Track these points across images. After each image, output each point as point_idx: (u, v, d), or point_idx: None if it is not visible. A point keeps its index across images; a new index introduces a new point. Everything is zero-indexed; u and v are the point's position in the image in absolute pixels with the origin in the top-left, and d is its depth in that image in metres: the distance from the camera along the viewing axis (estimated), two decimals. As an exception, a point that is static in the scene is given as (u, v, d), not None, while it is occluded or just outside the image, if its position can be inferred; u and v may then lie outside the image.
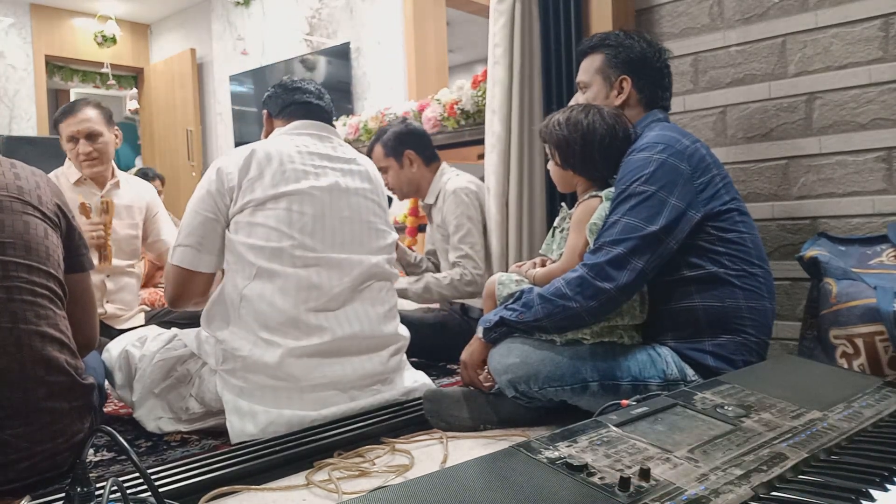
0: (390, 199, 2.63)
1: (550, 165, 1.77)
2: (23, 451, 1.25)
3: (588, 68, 1.79)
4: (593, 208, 1.62)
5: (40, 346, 1.27)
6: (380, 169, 2.52)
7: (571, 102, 1.81)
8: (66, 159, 2.58)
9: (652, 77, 1.74)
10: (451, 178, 2.52)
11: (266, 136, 1.85)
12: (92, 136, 2.49)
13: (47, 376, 1.28)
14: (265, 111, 1.88)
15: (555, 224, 1.80)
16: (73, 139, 2.49)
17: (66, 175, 2.55)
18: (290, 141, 1.71)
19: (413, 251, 2.74)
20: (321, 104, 1.83)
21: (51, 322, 1.31)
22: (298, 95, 1.81)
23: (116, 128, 2.61)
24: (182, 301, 1.69)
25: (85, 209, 2.39)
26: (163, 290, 2.99)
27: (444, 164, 2.58)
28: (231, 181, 1.62)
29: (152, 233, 2.71)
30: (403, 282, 2.45)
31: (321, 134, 1.77)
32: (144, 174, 4.04)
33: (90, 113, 2.50)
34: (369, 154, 2.57)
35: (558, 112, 1.73)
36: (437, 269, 2.67)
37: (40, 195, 1.39)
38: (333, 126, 1.86)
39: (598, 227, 1.57)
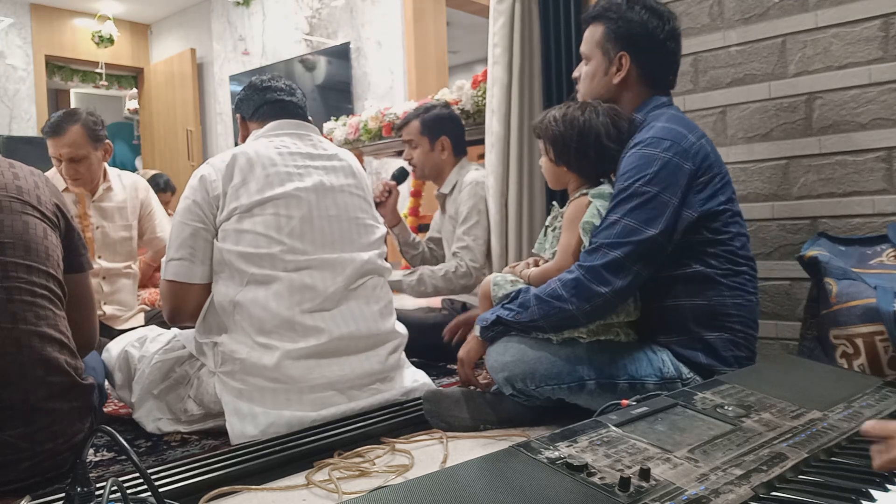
0: (406, 174, 2.63)
1: (543, 161, 1.76)
2: (23, 451, 1.25)
3: (589, 39, 1.70)
4: (584, 206, 1.62)
5: (40, 347, 1.27)
6: (408, 142, 2.54)
7: (574, 74, 1.76)
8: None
9: (654, 53, 1.64)
10: (470, 171, 2.54)
11: (243, 141, 1.82)
12: (75, 160, 2.42)
13: (47, 377, 1.28)
14: (238, 115, 1.85)
15: (546, 223, 1.80)
16: (59, 159, 2.43)
17: (56, 179, 2.49)
18: (269, 143, 1.69)
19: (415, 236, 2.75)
20: (294, 100, 1.80)
21: (50, 322, 1.31)
22: (270, 94, 1.78)
23: (107, 141, 2.53)
24: (180, 315, 1.66)
25: None
26: (163, 289, 2.99)
27: (464, 158, 2.60)
28: (216, 189, 1.60)
29: (148, 230, 2.70)
30: (398, 274, 2.44)
31: (299, 132, 1.75)
32: (156, 183, 3.95)
33: (75, 135, 2.40)
34: (403, 126, 2.57)
35: (554, 108, 1.72)
36: (434, 255, 2.69)
37: (39, 195, 1.39)
38: (310, 121, 1.83)
39: (592, 226, 1.56)
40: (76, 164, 2.43)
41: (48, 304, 1.32)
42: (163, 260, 1.66)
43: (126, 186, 2.64)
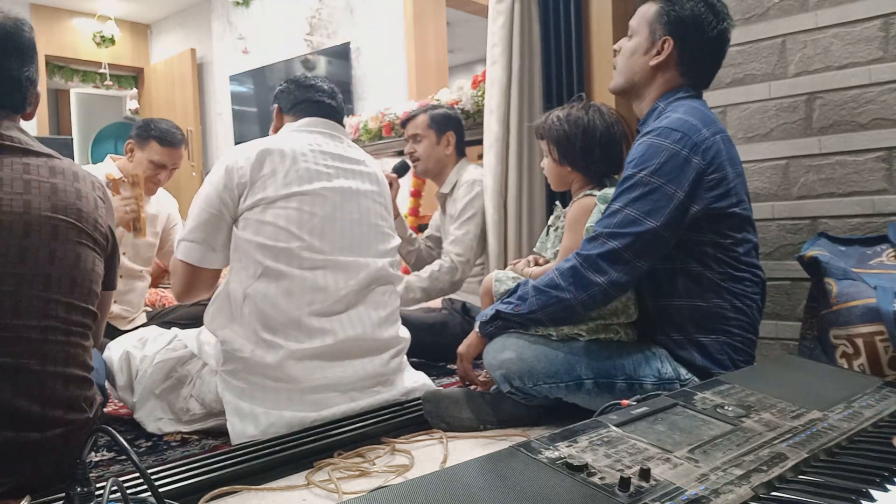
0: (407, 167, 2.66)
1: (546, 162, 1.77)
2: (33, 478, 1.24)
3: (640, 15, 1.65)
4: (588, 207, 1.62)
5: (63, 388, 1.26)
6: (414, 136, 2.58)
7: (615, 46, 1.71)
8: (109, 157, 2.61)
9: (699, 47, 1.59)
10: (469, 170, 2.58)
11: (275, 132, 1.83)
12: (173, 170, 2.60)
13: (66, 415, 1.26)
14: (276, 105, 1.86)
15: (549, 222, 1.80)
16: (161, 166, 2.53)
17: (104, 173, 2.55)
18: (302, 138, 1.70)
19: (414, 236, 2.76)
20: (333, 104, 1.81)
21: (78, 360, 1.29)
22: (312, 94, 1.79)
23: None
24: (189, 295, 1.70)
25: (115, 185, 2.43)
26: (163, 291, 3.00)
27: (464, 159, 2.64)
28: (242, 177, 1.60)
29: (167, 243, 2.76)
30: None
31: (332, 133, 1.76)
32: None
33: (183, 151, 2.59)
34: (409, 121, 2.61)
35: (556, 109, 1.73)
36: (431, 254, 2.71)
37: (97, 218, 1.34)
38: (343, 127, 1.85)
39: None
40: (167, 173, 2.58)
41: (80, 339, 1.30)
42: (177, 237, 1.68)
43: (160, 198, 2.73)
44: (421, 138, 2.57)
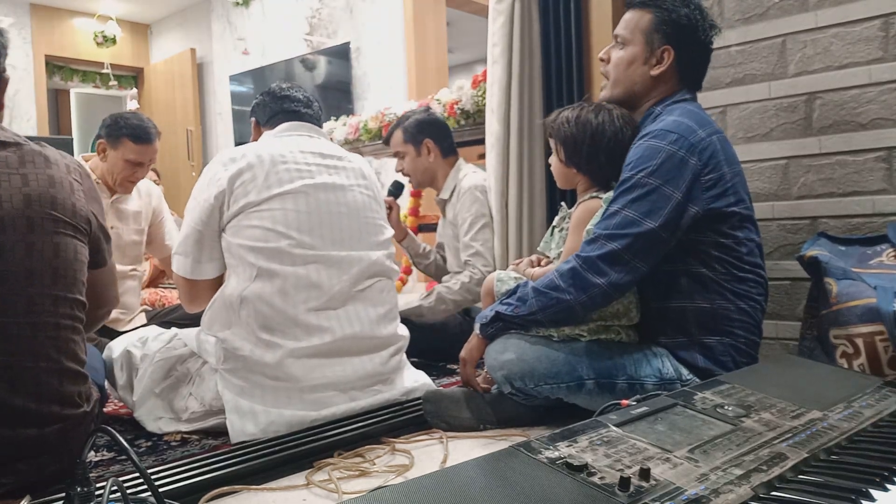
0: (401, 186, 2.64)
1: (552, 160, 1.76)
2: (32, 475, 1.24)
3: (632, 24, 1.64)
4: (593, 210, 1.62)
5: (58, 384, 1.25)
6: (397, 154, 2.57)
7: (601, 54, 1.71)
8: (81, 157, 2.53)
9: (696, 53, 1.63)
10: (468, 174, 2.53)
11: None
12: (148, 166, 2.51)
13: (62, 411, 1.26)
14: (253, 119, 1.88)
15: (553, 223, 1.80)
16: (137, 164, 2.44)
17: None
18: (280, 142, 1.71)
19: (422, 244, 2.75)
20: (310, 112, 1.82)
21: (70, 354, 1.28)
22: (287, 104, 1.81)
23: None
24: (195, 305, 1.74)
25: None
26: (163, 291, 3.00)
27: (461, 160, 2.60)
28: (220, 188, 1.61)
29: (157, 237, 2.71)
30: (416, 299, 2.44)
31: (310, 135, 1.77)
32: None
33: (157, 143, 2.51)
34: (389, 138, 2.59)
35: (567, 108, 1.72)
36: (445, 262, 2.68)
37: (74, 203, 1.30)
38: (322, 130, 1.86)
39: None
40: (144, 170, 2.49)
41: (71, 333, 1.29)
42: (173, 251, 1.71)
43: (141, 192, 2.66)
44: (403, 154, 2.55)
